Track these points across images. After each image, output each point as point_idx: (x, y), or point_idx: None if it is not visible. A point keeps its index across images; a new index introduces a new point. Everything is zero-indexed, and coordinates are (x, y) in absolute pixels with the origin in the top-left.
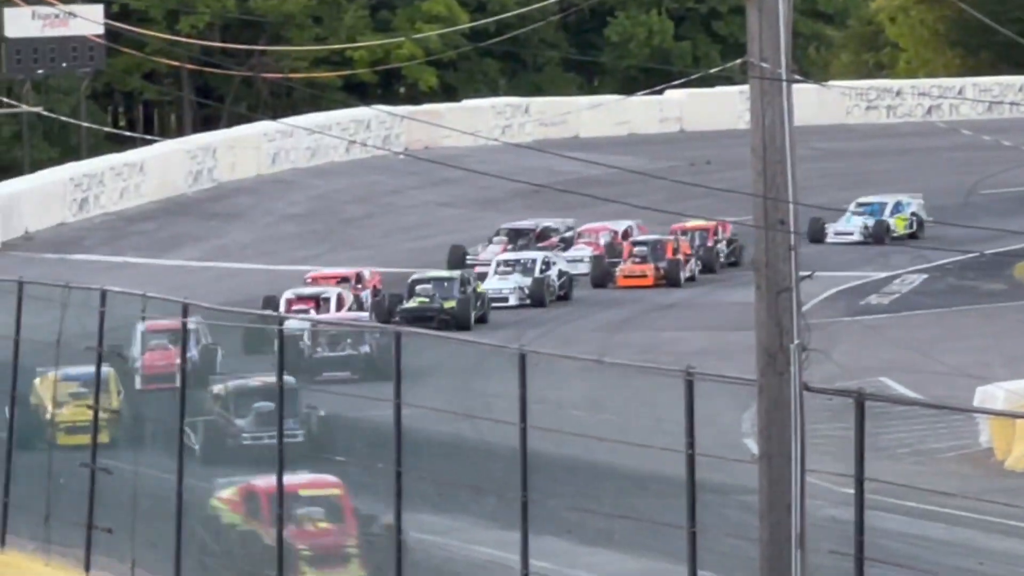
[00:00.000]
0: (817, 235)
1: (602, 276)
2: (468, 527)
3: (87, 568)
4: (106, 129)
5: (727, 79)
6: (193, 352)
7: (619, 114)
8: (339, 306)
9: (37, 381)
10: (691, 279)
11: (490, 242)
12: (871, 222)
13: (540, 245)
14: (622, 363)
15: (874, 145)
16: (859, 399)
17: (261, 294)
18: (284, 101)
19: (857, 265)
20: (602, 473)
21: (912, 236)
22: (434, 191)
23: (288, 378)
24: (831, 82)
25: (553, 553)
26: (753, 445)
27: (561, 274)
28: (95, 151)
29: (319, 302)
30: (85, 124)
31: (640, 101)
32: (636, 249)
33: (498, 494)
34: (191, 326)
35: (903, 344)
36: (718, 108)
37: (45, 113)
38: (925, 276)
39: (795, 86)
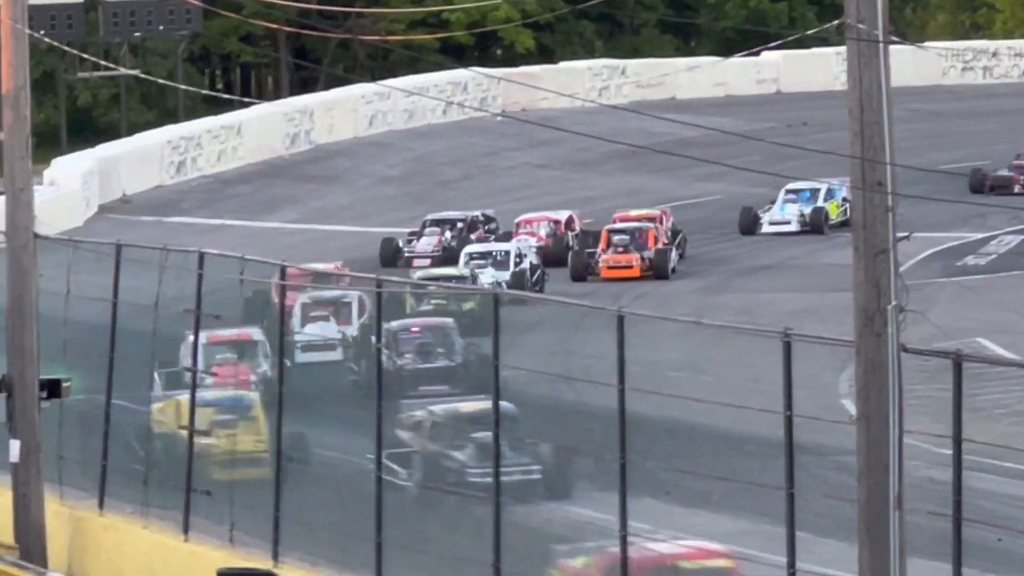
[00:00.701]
0: (750, 226)
1: (582, 268)
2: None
3: (185, 530)
4: (203, 92)
5: (824, 40)
6: (265, 367)
7: (716, 76)
8: (361, 313)
9: (157, 407)
10: (673, 270)
11: (420, 234)
12: (807, 209)
13: (472, 237)
14: (719, 324)
15: (970, 106)
16: (957, 360)
17: (360, 257)
18: (381, 63)
19: (954, 226)
20: (700, 434)
21: (844, 223)
22: (531, 153)
23: (505, 404)
24: (927, 43)
25: (651, 514)
26: (851, 406)
27: (534, 267)
28: (192, 114)
29: (338, 307)
30: (182, 87)
31: (737, 63)
32: (616, 238)
33: (596, 455)
34: (257, 337)
35: (1000, 305)
36: (815, 69)
37: (142, 76)
38: (1022, 237)
39: (892, 47)
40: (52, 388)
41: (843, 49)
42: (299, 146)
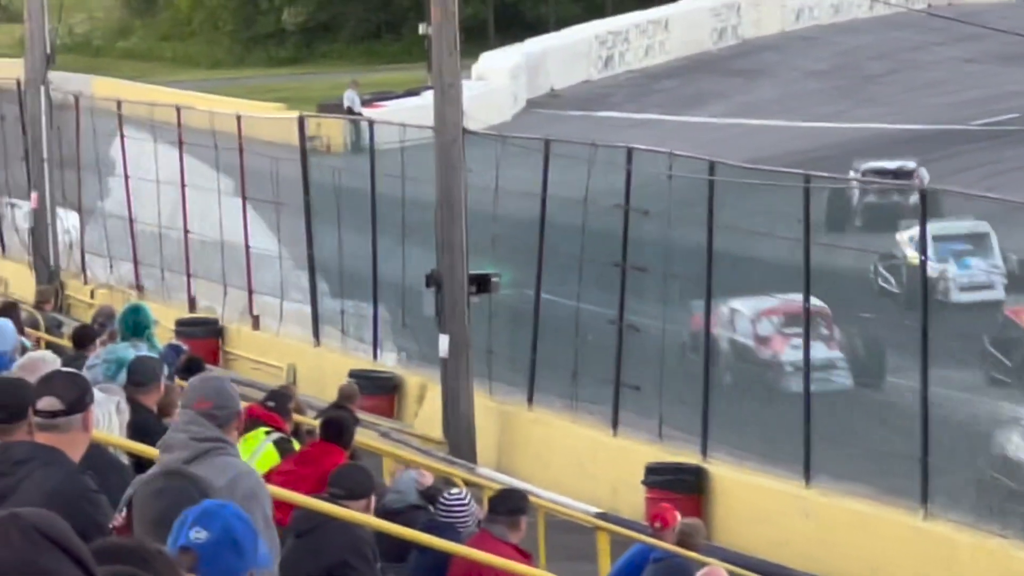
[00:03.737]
0: None
1: None
2: None
3: (614, 425)
4: None
5: None
6: None
7: None
8: None
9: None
10: None
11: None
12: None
13: None
14: None
15: None
16: None
17: (787, 151)
18: None
19: None
20: None
21: None
22: (957, 47)
23: None
24: None
25: None
26: None
27: None
28: (619, 8)
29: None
30: None
31: None
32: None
33: None
34: None
35: None
36: None
37: None
38: None
39: None
40: (481, 283)
41: None
42: (726, 40)
